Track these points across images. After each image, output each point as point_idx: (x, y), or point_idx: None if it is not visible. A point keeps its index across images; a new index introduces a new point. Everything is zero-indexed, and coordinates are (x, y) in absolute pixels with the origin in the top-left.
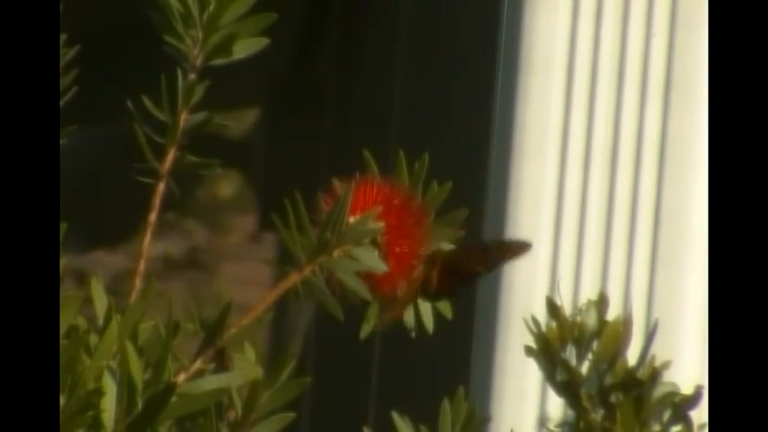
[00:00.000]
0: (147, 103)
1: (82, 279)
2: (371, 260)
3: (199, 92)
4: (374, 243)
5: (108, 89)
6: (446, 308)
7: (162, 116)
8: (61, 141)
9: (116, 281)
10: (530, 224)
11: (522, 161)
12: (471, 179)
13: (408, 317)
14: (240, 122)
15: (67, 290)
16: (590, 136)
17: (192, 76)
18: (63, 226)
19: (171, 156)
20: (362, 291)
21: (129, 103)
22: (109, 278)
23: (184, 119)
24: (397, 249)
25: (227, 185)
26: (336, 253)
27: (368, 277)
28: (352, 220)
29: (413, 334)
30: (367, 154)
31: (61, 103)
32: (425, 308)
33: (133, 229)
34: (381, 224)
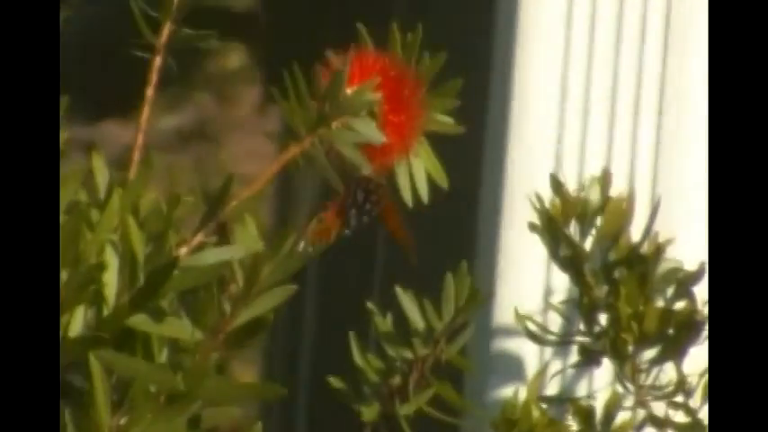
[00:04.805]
0: None
1: (90, 151)
2: (369, 131)
3: None
4: (371, 114)
5: None
6: (441, 177)
7: None
8: (64, 15)
9: (126, 153)
10: (534, 102)
11: (527, 40)
12: (476, 58)
13: (404, 187)
14: None
15: (75, 162)
16: (594, 18)
17: None
18: (65, 99)
19: (167, 30)
20: (361, 161)
21: None
22: (119, 151)
23: None
24: (394, 119)
25: (236, 57)
26: (335, 124)
27: (364, 148)
28: (349, 91)
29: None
30: (361, 27)
31: None
32: (421, 180)
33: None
34: (378, 95)
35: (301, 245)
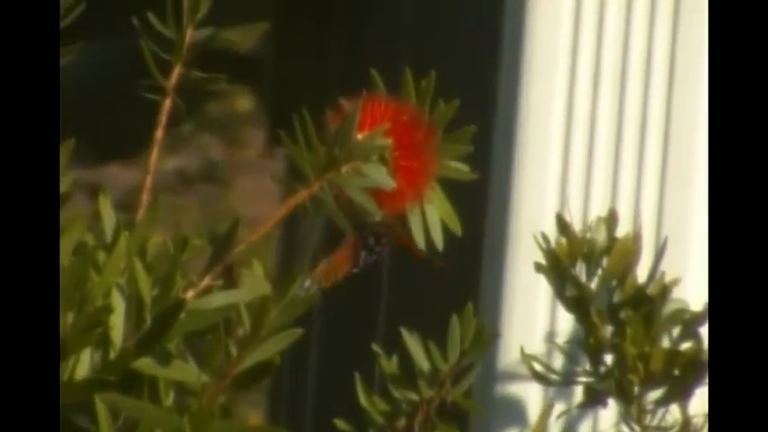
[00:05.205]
0: (153, 19)
1: (95, 194)
2: (380, 176)
3: (204, 7)
4: (382, 159)
5: (113, 5)
6: (455, 224)
7: (168, 32)
8: (69, 58)
9: (130, 195)
10: (539, 142)
11: (531, 79)
12: (481, 100)
13: (418, 235)
14: (247, 38)
15: (79, 205)
16: (600, 58)
17: None
18: (70, 142)
19: (177, 72)
20: (371, 206)
21: (135, 20)
22: (123, 193)
23: (190, 35)
24: (406, 165)
25: (244, 100)
26: (345, 169)
27: (376, 194)
28: (360, 137)
29: (423, 251)
30: (374, 71)
31: (68, 20)
32: (435, 227)
33: (148, 143)
34: (389, 141)
35: (307, 284)
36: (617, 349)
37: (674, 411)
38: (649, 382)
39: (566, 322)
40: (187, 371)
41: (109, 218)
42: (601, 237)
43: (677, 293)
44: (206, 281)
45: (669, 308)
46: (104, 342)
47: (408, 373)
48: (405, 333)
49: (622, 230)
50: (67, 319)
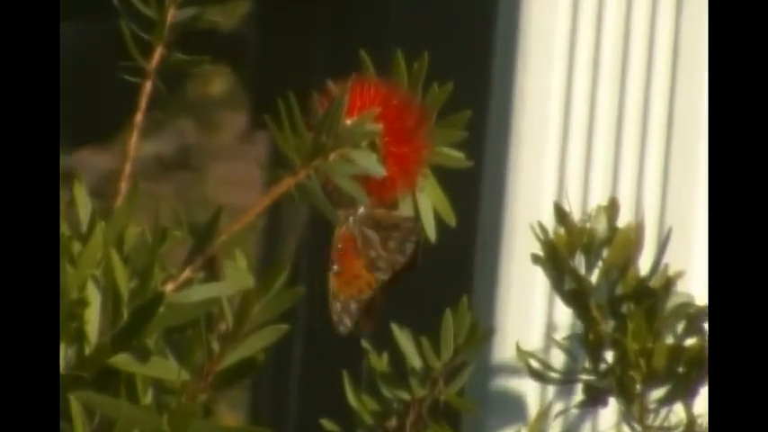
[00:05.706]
0: None
1: (67, 180)
2: (369, 163)
3: None
4: (372, 146)
5: None
6: (448, 213)
7: (149, 12)
8: None
9: (103, 181)
10: (536, 127)
11: (527, 65)
12: (474, 82)
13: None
14: (231, 17)
15: None
16: (599, 38)
17: None
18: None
19: (158, 54)
20: (359, 195)
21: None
22: (95, 179)
23: (172, 15)
24: (397, 152)
25: (225, 82)
26: (332, 156)
27: (365, 182)
28: (348, 121)
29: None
30: (364, 53)
31: None
32: (428, 217)
33: (121, 127)
34: (380, 126)
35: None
36: (618, 345)
37: (677, 410)
38: (652, 379)
39: (564, 317)
40: (166, 368)
41: (84, 206)
42: (601, 226)
43: (681, 286)
44: (186, 273)
45: (673, 302)
46: (79, 337)
47: (399, 371)
48: (395, 329)
49: (624, 220)
50: None
